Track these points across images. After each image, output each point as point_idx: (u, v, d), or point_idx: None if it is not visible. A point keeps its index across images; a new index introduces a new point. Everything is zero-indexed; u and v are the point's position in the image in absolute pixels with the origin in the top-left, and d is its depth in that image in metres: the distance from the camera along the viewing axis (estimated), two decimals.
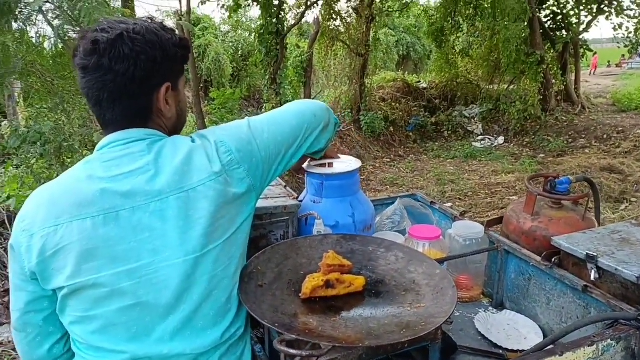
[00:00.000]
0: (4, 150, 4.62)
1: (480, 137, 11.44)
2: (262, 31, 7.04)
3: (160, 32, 1.13)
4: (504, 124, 11.56)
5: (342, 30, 10.47)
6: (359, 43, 10.27)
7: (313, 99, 10.58)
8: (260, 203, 1.58)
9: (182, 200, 1.05)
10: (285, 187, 1.75)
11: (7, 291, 3.55)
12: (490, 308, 1.77)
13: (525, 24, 9.87)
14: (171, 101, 1.16)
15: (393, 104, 11.40)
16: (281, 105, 7.61)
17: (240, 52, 12.78)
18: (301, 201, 1.68)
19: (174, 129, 1.21)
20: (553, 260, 1.55)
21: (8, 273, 3.55)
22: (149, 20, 1.16)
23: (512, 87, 11.81)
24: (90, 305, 1.05)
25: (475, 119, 12.11)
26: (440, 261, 1.66)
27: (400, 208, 1.89)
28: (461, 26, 12.55)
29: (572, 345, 1.24)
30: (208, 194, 1.07)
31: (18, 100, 6.50)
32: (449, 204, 7.52)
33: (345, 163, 1.70)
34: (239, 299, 1.16)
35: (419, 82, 13.30)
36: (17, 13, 4.15)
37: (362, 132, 10.21)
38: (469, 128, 11.92)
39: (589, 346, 1.23)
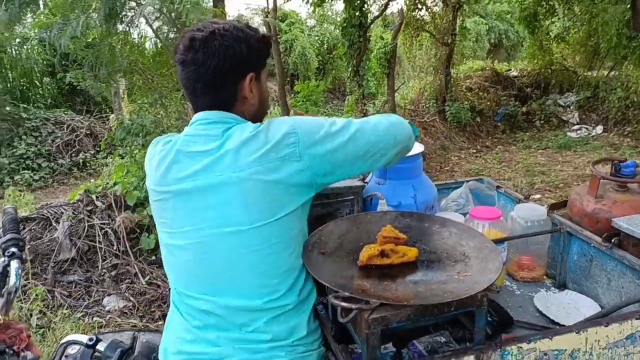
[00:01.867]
0: (112, 141, 5.12)
1: (576, 127, 10.88)
2: (345, 24, 7.18)
3: (245, 30, 1.31)
4: (603, 112, 10.91)
5: (428, 20, 10.36)
6: (445, 32, 10.12)
7: (396, 90, 10.61)
8: None
9: (234, 180, 1.20)
10: None
11: (114, 266, 3.98)
12: (552, 288, 1.81)
13: (628, 5, 9.25)
14: (254, 90, 1.33)
15: (480, 93, 11.12)
16: (364, 97, 7.76)
17: (325, 46, 13.05)
18: (367, 182, 1.82)
19: (256, 116, 1.37)
20: (613, 241, 1.58)
21: (115, 250, 3.97)
22: (237, 21, 1.35)
23: (612, 73, 11.10)
24: (167, 253, 1.33)
25: (571, 108, 11.52)
26: (500, 241, 1.73)
27: (466, 192, 1.97)
28: (556, 10, 11.96)
29: (619, 317, 1.29)
30: (257, 177, 1.19)
31: (123, 96, 7.12)
32: (538, 196, 7.29)
33: None
34: (295, 277, 1.28)
35: (509, 70, 12.83)
36: (121, 16, 4.58)
37: (447, 122, 10.07)
38: (563, 117, 11.37)
39: (637, 319, 1.27)
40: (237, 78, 1.30)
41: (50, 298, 3.65)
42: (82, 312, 3.52)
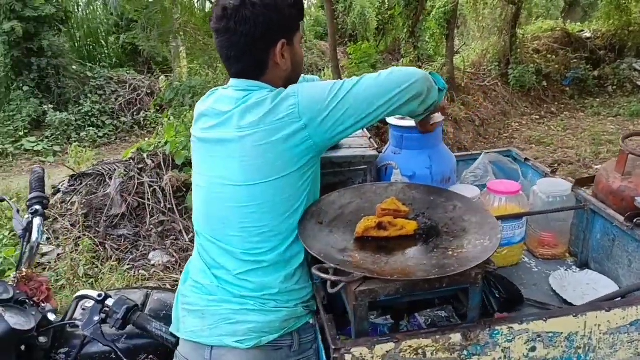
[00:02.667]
0: (161, 102, 5.26)
1: None
2: None
3: None
4: None
5: None
6: None
7: (456, 52, 10.21)
8: (341, 152, 1.72)
9: (236, 139, 1.29)
10: (370, 138, 1.86)
11: (161, 222, 4.16)
12: (574, 267, 1.74)
13: None
14: (287, 55, 1.38)
15: (548, 55, 10.52)
16: (419, 59, 7.53)
17: (386, 5, 12.65)
18: (380, 152, 1.79)
19: (289, 80, 1.43)
20: (635, 221, 1.49)
21: (162, 208, 4.13)
22: None
23: None
24: (193, 192, 1.48)
25: None
26: (517, 217, 1.67)
27: (484, 162, 1.90)
28: None
29: (622, 303, 1.23)
30: (256, 138, 1.27)
31: (175, 58, 7.29)
32: (600, 166, 6.91)
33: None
34: (280, 239, 1.33)
35: (582, 31, 12.03)
36: None
37: (510, 86, 9.63)
38: (638, 82, 10.63)
39: None
40: (269, 45, 1.35)
41: (102, 250, 3.88)
42: (129, 265, 3.72)
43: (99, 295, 1.41)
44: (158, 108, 7.16)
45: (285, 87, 1.37)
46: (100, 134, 8.80)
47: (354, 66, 6.82)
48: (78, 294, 1.48)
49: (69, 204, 4.34)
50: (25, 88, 8.73)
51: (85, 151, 6.37)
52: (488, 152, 2.00)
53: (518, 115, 9.45)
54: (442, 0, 8.55)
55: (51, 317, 1.47)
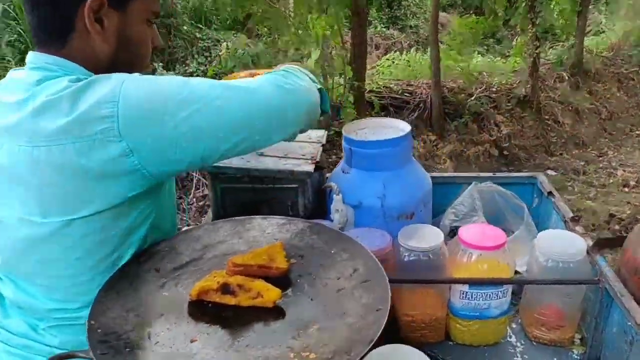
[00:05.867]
0: (220, 69, 5.07)
1: None
2: None
3: None
4: None
5: None
6: None
7: (595, 32, 8.80)
8: (265, 162, 1.32)
9: (28, 156, 0.86)
10: (322, 145, 1.42)
11: (203, 197, 4.00)
12: None
13: None
14: (108, 24, 0.95)
15: None
16: (537, 39, 6.57)
17: None
18: (322, 167, 1.35)
19: (114, 64, 0.98)
20: None
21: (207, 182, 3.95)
22: None
23: None
24: None
25: None
26: (496, 283, 1.16)
27: (471, 195, 1.36)
28: None
29: None
30: (56, 157, 0.85)
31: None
32: None
33: (390, 128, 1.29)
34: (87, 295, 0.94)
35: None
36: None
37: None
38: None
39: None
40: None
41: None
42: None
43: None
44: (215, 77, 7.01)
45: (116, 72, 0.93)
46: None
47: (457, 42, 6.12)
48: None
49: None
50: None
51: None
52: (481, 181, 1.45)
53: None
54: None
55: None
